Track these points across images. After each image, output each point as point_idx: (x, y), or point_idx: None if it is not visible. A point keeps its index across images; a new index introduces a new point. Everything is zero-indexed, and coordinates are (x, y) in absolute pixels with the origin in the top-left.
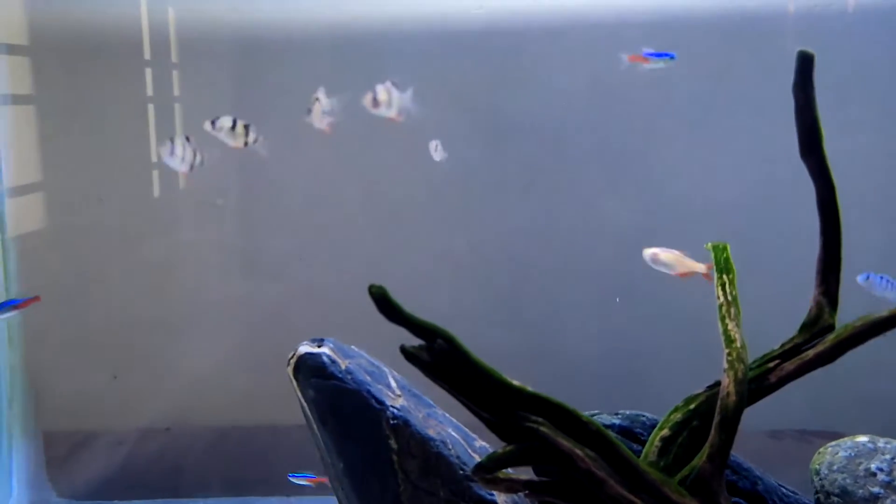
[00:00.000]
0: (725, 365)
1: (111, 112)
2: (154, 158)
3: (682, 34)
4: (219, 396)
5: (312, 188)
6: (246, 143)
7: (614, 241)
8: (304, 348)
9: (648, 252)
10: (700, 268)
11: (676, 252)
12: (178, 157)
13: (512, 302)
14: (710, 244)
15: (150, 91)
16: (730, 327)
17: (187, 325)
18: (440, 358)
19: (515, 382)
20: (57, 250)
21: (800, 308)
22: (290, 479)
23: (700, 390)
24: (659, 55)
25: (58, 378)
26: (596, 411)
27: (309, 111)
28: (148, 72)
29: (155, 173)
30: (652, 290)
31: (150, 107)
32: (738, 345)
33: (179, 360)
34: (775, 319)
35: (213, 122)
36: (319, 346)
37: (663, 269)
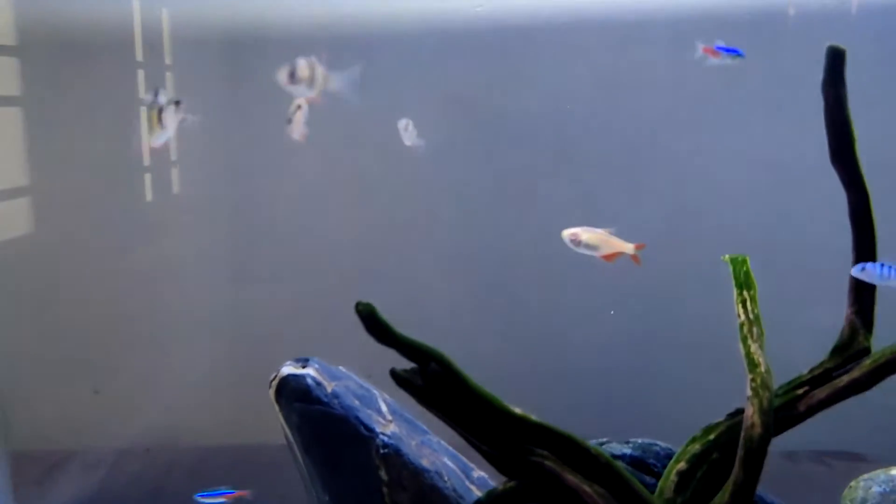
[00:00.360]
0: (749, 392)
1: (101, 114)
2: (147, 162)
3: (689, 31)
4: (204, 415)
5: (305, 193)
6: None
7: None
8: (287, 369)
9: (567, 233)
10: (628, 248)
11: (600, 231)
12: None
13: (511, 312)
14: (727, 256)
15: (142, 93)
16: (752, 350)
17: (173, 337)
18: (434, 383)
19: (517, 410)
20: (38, 258)
21: (825, 325)
22: (198, 498)
23: (720, 419)
24: (729, 51)
25: (32, 395)
26: (604, 439)
27: (289, 121)
28: (140, 73)
29: (147, 177)
30: (661, 300)
31: (143, 109)
32: (763, 369)
33: (163, 376)
34: (798, 337)
35: (155, 93)
36: (304, 367)
37: (586, 252)
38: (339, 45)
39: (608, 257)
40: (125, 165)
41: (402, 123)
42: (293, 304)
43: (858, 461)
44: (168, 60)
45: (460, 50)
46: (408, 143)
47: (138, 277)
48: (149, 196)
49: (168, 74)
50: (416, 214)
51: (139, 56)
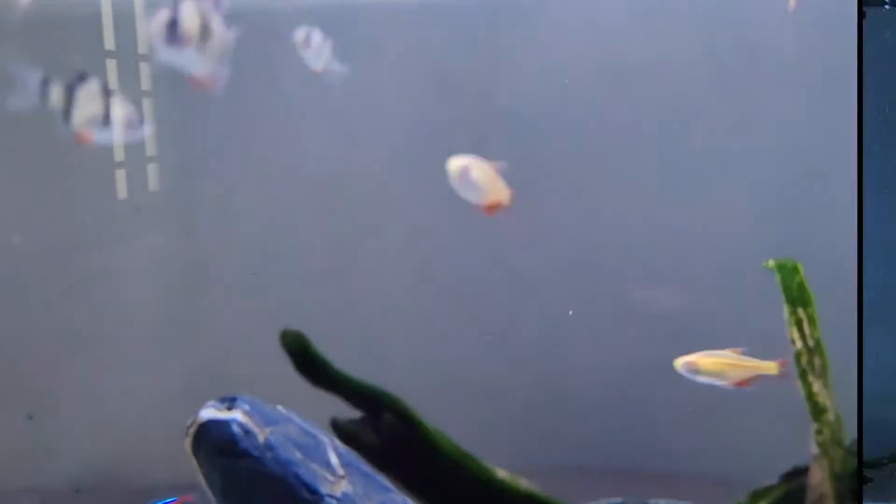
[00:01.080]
0: (814, 448)
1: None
2: (118, 158)
3: (695, 8)
4: (146, 448)
5: (269, 190)
6: None
7: (624, 253)
8: (208, 413)
9: (457, 165)
10: (504, 195)
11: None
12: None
13: (505, 326)
14: (772, 261)
15: (113, 86)
16: (815, 389)
17: (115, 355)
18: (388, 438)
19: (501, 473)
20: None
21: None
22: None
23: (771, 481)
24: None
25: None
26: (616, 500)
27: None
28: (111, 64)
29: (119, 175)
30: (673, 308)
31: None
32: (832, 417)
33: (96, 404)
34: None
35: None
36: (229, 410)
37: (472, 198)
38: (311, 17)
39: (489, 209)
40: (71, 162)
41: (301, 35)
42: (257, 316)
43: None
44: (141, 49)
45: (442, 24)
46: (317, 68)
47: (83, 284)
48: (100, 194)
49: (142, 66)
50: (395, 216)
51: (109, 45)
